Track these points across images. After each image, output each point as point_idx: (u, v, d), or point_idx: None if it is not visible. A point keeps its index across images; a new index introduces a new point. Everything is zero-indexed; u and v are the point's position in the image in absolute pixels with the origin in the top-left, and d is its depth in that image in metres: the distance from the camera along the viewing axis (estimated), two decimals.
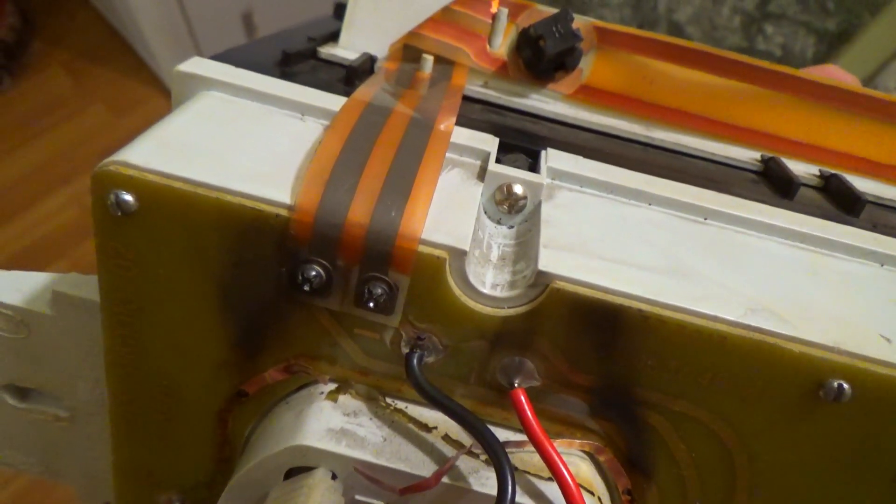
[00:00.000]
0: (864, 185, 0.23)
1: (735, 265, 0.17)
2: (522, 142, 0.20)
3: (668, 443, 0.16)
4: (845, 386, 0.14)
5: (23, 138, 1.03)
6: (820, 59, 0.83)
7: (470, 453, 0.16)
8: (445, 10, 0.24)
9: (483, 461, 0.16)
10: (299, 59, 0.22)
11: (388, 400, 0.17)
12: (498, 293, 0.15)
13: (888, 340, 0.15)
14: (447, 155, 0.18)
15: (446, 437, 0.16)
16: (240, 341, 0.17)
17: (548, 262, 0.15)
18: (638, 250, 0.16)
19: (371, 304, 0.15)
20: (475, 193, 0.17)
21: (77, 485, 0.22)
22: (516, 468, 0.16)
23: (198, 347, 0.17)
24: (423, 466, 0.15)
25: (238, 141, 0.16)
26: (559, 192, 0.18)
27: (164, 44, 1.00)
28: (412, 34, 0.24)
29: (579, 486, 0.16)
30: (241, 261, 0.15)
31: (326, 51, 0.24)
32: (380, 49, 0.25)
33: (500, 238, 0.17)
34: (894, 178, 0.24)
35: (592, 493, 0.16)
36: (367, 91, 0.19)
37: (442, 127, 0.18)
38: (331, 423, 0.16)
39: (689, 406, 0.16)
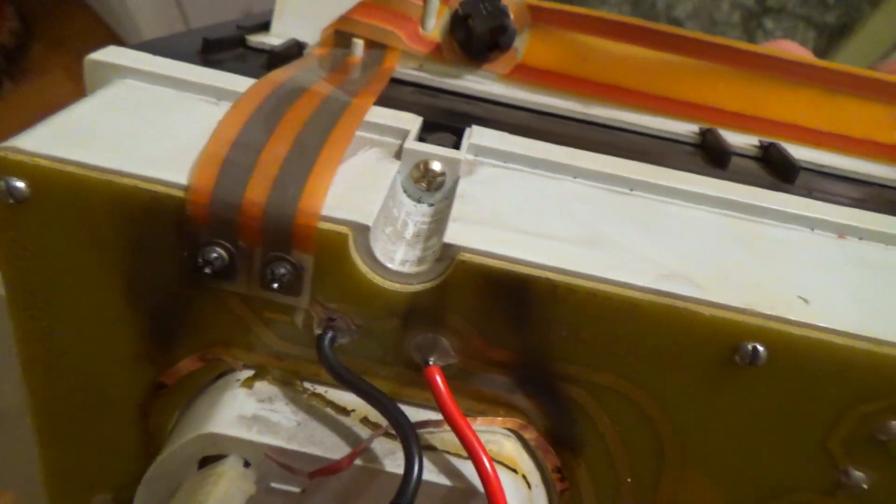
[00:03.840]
0: (805, 153, 0.23)
1: (656, 234, 0.16)
2: (449, 121, 0.20)
3: (592, 417, 0.16)
4: (760, 348, 0.14)
5: None
6: (820, 53, 0.83)
7: (387, 434, 0.15)
8: None
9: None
10: (224, 46, 0.22)
11: (307, 384, 0.16)
12: (406, 269, 0.15)
13: (806, 302, 0.15)
14: (366, 135, 0.18)
15: (365, 420, 0.16)
16: (151, 331, 0.16)
17: (454, 234, 0.15)
18: (554, 222, 0.16)
19: (275, 286, 0.15)
20: (390, 171, 0.17)
21: (15, 490, 0.22)
22: (435, 448, 0.16)
23: (110, 339, 0.16)
24: (337, 450, 0.15)
25: (143, 126, 0.16)
26: (481, 168, 0.18)
27: None
28: (343, 19, 0.24)
29: (501, 463, 0.16)
30: (141, 247, 0.15)
31: (256, 39, 0.23)
32: (314, 36, 0.24)
33: (418, 216, 0.17)
34: (836, 145, 0.24)
35: (516, 471, 0.16)
36: (284, 72, 0.19)
37: (358, 105, 0.18)
38: (243, 409, 0.15)
39: (608, 378, 0.15)
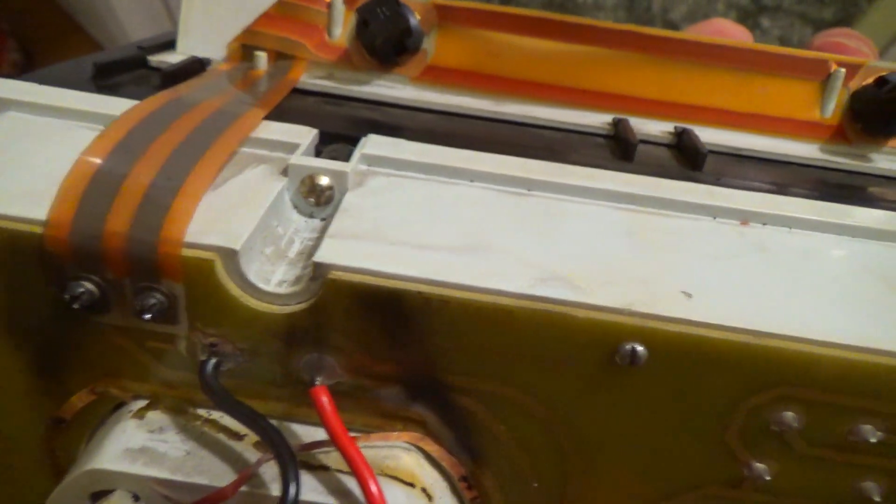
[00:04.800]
0: (724, 137, 0.23)
1: (547, 235, 0.16)
2: (352, 130, 0.20)
3: (487, 426, 0.16)
4: (639, 348, 0.14)
5: None
6: None
7: None
8: (280, 4, 0.23)
9: None
10: (121, 69, 0.21)
11: (201, 411, 0.16)
12: (283, 290, 0.15)
13: (689, 296, 0.14)
14: (254, 152, 0.18)
15: (258, 444, 0.16)
16: (39, 367, 0.16)
17: (326, 252, 0.14)
18: (438, 230, 0.16)
19: (148, 316, 0.14)
20: (273, 188, 0.16)
21: None
22: (329, 467, 0.15)
23: (1, 378, 0.16)
24: (225, 477, 0.15)
25: (14, 160, 0.16)
26: (372, 178, 0.18)
27: None
28: (248, 32, 0.23)
29: (397, 478, 0.15)
30: (11, 285, 0.15)
31: (160, 59, 0.23)
32: (221, 52, 0.24)
33: (307, 232, 0.17)
34: (756, 126, 0.23)
35: (413, 485, 0.16)
36: (172, 92, 0.19)
37: (243, 121, 0.17)
38: (131, 442, 0.15)
39: (497, 385, 0.15)
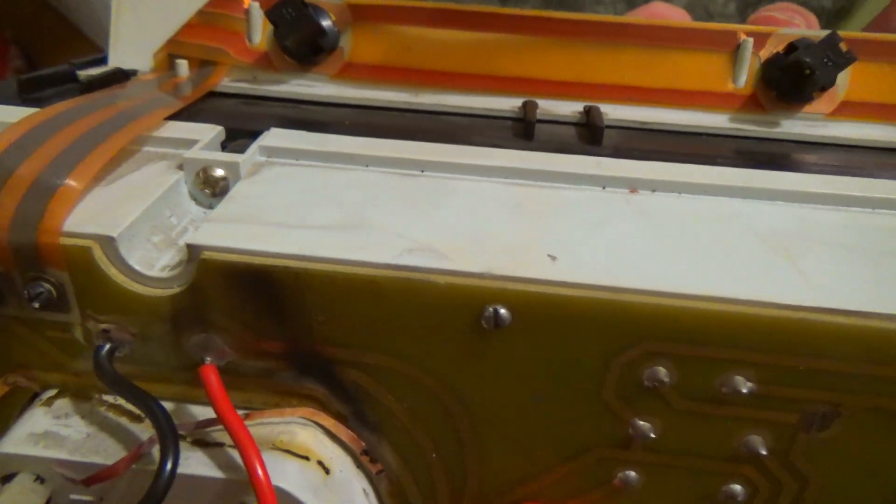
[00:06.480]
0: (635, 113, 0.23)
1: (429, 211, 0.17)
2: (260, 127, 0.20)
3: (376, 397, 0.16)
4: (501, 310, 0.14)
5: None
6: None
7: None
8: (201, 14, 0.24)
9: (189, 442, 0.16)
10: (48, 83, 0.22)
11: (107, 397, 0.17)
12: (164, 274, 0.15)
13: (553, 258, 0.15)
14: (156, 150, 0.19)
15: None
16: None
17: (200, 235, 0.15)
18: (318, 211, 0.16)
19: (37, 305, 0.15)
20: (167, 181, 0.17)
21: None
22: (223, 444, 0.16)
23: None
24: (121, 457, 0.15)
25: None
26: (268, 168, 0.18)
27: None
28: (171, 42, 0.24)
29: (291, 452, 0.16)
30: None
31: (89, 73, 0.24)
32: (151, 63, 0.25)
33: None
34: (670, 101, 0.23)
35: (308, 458, 0.16)
36: (83, 98, 0.19)
37: (143, 120, 0.18)
38: (35, 427, 0.16)
39: (378, 356, 0.15)
